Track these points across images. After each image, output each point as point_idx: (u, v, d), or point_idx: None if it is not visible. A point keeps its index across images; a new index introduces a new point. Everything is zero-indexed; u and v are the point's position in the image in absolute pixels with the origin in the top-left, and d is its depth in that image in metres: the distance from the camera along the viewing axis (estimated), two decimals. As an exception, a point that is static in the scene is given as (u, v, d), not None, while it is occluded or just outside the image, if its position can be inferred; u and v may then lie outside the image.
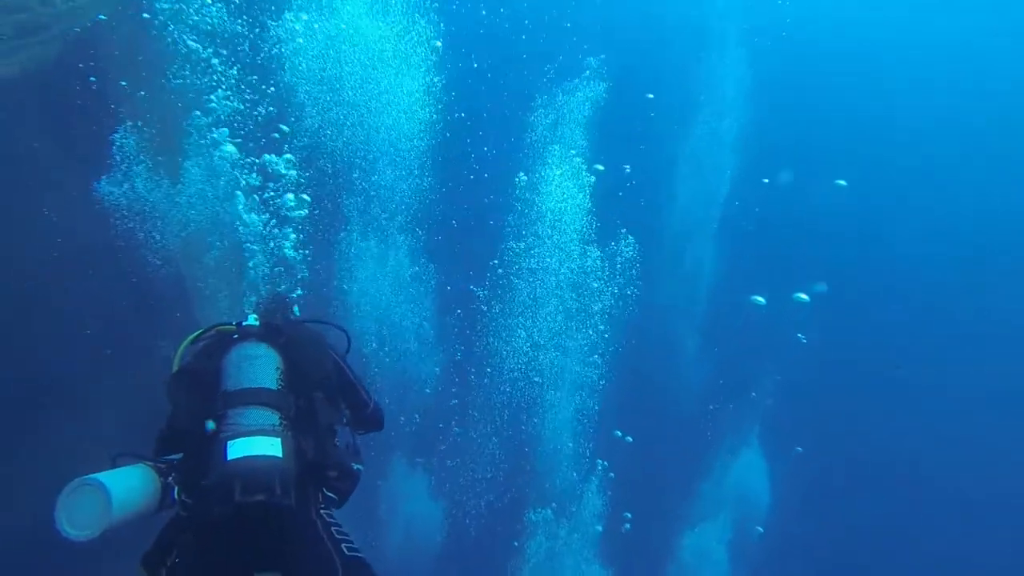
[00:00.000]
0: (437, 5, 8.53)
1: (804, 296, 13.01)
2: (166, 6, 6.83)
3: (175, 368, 3.09)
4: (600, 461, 10.98)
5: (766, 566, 12.56)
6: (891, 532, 13.71)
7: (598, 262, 10.23)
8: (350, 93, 8.12)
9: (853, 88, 15.00)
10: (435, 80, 8.70)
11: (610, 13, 13.00)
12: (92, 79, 6.97)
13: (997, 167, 15.00)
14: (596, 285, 10.28)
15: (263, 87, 7.23)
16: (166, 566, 2.71)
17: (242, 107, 6.72)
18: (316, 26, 7.73)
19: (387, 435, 9.98)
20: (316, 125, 8.05)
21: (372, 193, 9.27)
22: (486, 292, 10.43)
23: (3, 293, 6.34)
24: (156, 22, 6.91)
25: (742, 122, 13.56)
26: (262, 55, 7.33)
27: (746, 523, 13.00)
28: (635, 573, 11.53)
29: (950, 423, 14.00)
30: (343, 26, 7.87)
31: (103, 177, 6.87)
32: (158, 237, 7.04)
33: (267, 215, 5.71)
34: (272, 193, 6.19)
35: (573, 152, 10.01)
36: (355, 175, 9.04)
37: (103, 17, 7.36)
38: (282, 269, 6.23)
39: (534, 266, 10.09)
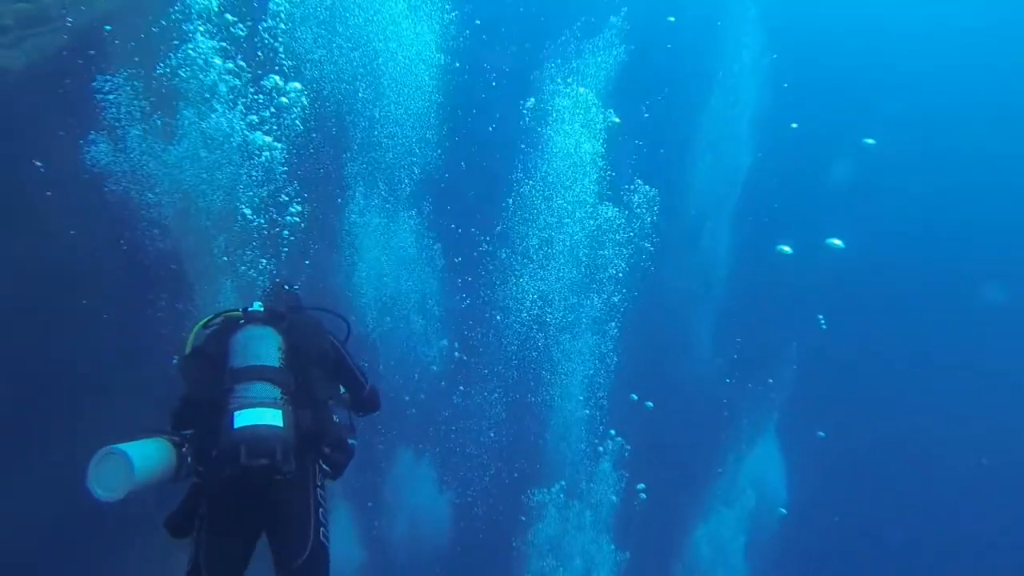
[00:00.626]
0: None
1: (838, 242, 13.06)
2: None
3: (188, 350, 3.50)
4: (612, 432, 10.99)
5: (787, 550, 12.68)
6: (913, 517, 13.76)
7: (614, 216, 10.10)
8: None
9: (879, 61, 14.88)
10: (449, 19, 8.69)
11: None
12: (97, 71, 7.12)
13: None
14: (611, 245, 10.19)
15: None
16: (188, 529, 3.16)
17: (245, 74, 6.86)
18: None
19: (392, 417, 10.24)
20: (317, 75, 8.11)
21: (379, 144, 9.29)
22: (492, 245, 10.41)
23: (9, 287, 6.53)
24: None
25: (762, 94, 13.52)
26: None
27: (766, 507, 13.14)
28: (650, 554, 11.53)
29: (978, 407, 13.92)
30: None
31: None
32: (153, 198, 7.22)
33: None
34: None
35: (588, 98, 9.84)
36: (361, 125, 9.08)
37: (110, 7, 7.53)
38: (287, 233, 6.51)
39: (550, 220, 10.00)
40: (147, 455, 2.96)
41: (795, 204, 13.75)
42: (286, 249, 7.39)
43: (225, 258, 7.38)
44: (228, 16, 6.94)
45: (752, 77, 13.72)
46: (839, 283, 13.73)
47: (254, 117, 7.11)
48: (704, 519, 12.79)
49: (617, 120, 10.08)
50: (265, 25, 7.43)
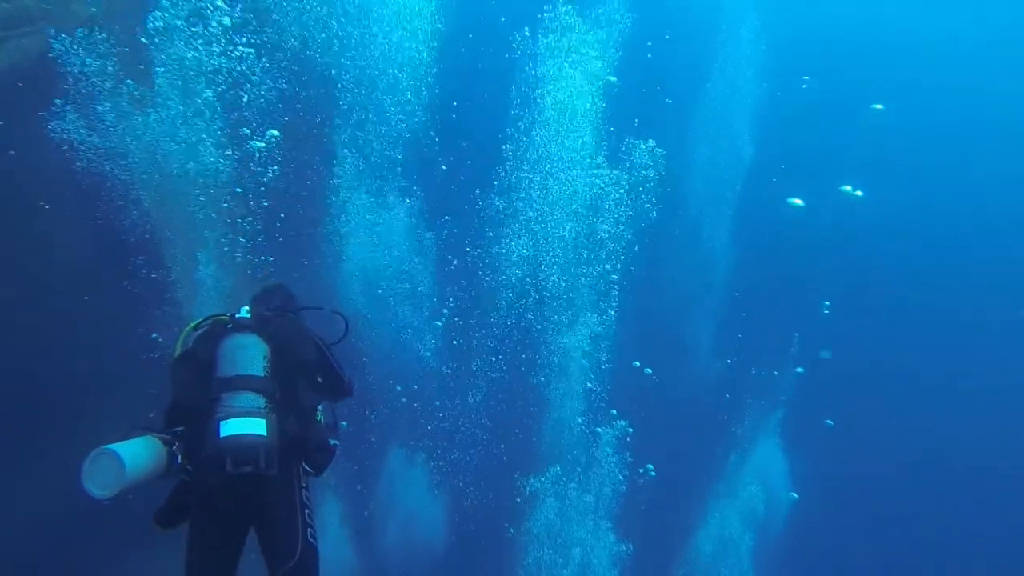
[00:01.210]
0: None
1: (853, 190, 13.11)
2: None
3: (177, 352, 3.71)
4: (614, 412, 10.87)
5: (796, 539, 12.65)
6: (921, 507, 13.70)
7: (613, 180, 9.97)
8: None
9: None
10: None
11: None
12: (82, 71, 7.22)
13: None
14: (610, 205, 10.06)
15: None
16: (176, 521, 3.40)
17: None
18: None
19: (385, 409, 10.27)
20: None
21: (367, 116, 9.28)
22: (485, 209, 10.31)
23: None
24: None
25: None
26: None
27: (774, 495, 13.05)
28: (653, 542, 11.30)
29: (987, 404, 13.75)
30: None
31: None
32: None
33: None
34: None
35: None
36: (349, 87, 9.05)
37: (95, 9, 7.63)
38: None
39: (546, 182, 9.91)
40: (138, 453, 3.14)
41: (807, 154, 13.66)
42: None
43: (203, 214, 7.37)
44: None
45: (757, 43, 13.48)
46: (846, 259, 13.77)
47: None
48: (710, 510, 12.75)
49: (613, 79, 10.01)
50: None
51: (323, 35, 8.58)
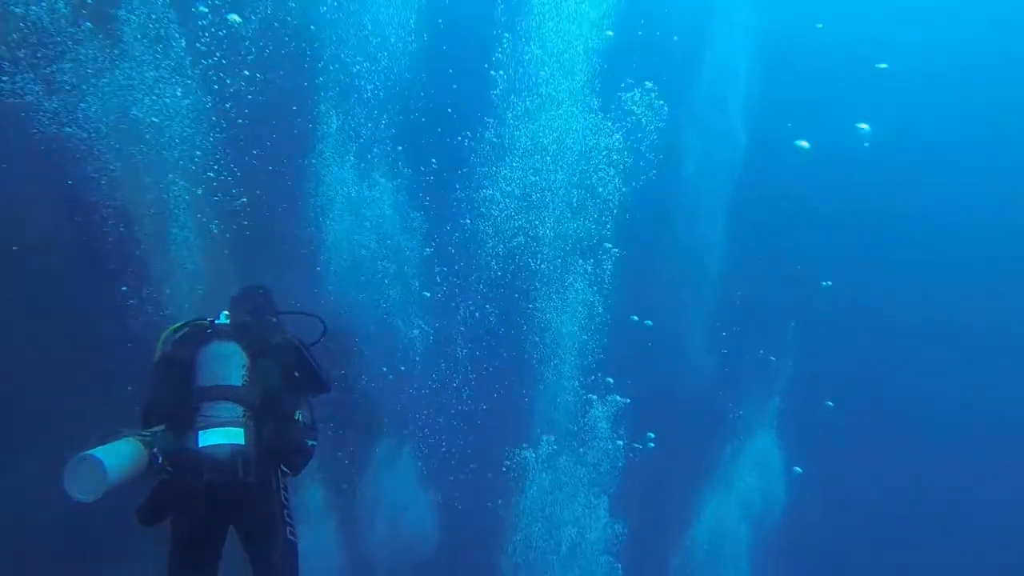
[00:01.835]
0: None
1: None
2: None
3: (157, 356, 3.81)
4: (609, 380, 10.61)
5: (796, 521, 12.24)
6: (925, 496, 13.58)
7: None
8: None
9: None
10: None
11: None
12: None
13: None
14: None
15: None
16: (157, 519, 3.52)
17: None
18: None
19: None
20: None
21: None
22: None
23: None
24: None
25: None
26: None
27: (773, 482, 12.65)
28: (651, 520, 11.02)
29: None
30: None
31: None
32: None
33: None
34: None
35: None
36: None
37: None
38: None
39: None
40: (119, 455, 3.21)
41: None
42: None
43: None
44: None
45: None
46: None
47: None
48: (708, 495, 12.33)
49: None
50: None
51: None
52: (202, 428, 3.46)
